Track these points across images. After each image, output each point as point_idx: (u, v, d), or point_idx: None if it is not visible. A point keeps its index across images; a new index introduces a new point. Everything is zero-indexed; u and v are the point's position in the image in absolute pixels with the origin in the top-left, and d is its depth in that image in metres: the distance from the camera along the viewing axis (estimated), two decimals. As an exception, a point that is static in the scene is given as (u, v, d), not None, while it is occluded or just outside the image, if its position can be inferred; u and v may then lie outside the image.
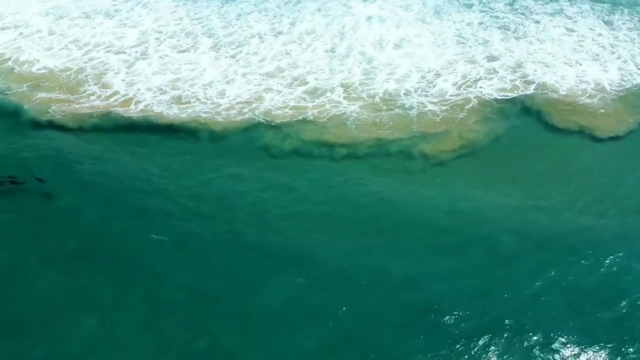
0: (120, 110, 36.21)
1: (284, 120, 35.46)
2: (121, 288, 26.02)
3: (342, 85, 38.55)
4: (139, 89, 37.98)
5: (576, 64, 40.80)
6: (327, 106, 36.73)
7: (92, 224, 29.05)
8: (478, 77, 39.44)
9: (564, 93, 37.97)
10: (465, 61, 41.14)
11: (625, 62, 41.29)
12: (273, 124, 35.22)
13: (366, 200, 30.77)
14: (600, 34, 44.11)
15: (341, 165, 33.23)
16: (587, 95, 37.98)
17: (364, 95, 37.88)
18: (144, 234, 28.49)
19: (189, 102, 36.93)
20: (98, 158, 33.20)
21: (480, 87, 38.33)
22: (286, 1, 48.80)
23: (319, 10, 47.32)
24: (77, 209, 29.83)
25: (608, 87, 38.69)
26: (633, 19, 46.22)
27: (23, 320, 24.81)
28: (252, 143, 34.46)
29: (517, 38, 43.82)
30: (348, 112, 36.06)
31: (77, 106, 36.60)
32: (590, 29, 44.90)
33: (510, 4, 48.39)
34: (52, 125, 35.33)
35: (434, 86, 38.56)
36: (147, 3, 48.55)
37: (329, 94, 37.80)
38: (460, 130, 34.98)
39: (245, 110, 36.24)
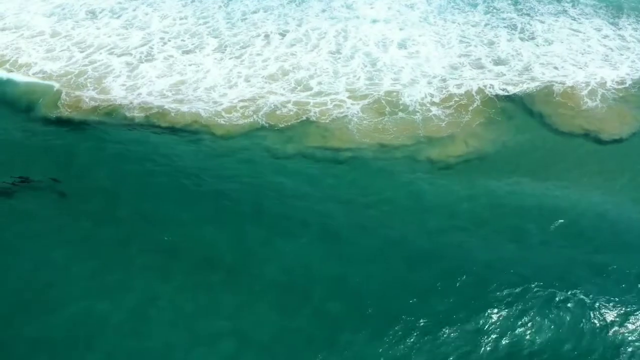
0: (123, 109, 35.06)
1: (288, 124, 33.94)
2: (157, 270, 25.86)
3: (347, 90, 36.43)
4: (140, 94, 36.00)
5: (585, 66, 38.64)
6: (330, 106, 34.96)
7: (125, 206, 29.09)
8: (485, 79, 37.32)
9: (572, 95, 36.03)
10: (472, 65, 39.01)
11: (634, 62, 39.17)
12: (276, 128, 33.76)
13: (380, 187, 30.41)
14: (606, 35, 41.85)
15: (347, 163, 32.14)
16: (596, 97, 36.06)
17: (369, 99, 35.73)
18: (177, 213, 28.51)
19: (191, 103, 35.14)
20: (111, 148, 32.67)
21: (486, 88, 36.38)
22: (289, 0, 46.46)
23: (324, 11, 45.00)
24: (110, 193, 29.79)
25: (617, 89, 36.74)
26: (639, 20, 43.79)
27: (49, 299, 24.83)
28: (256, 144, 33.12)
29: (522, 39, 41.58)
30: (350, 115, 34.31)
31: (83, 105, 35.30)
32: (597, 29, 42.60)
33: (515, 4, 45.94)
34: (61, 121, 34.50)
35: (440, 89, 36.44)
36: (153, 2, 46.15)
37: (333, 95, 35.86)
38: (465, 135, 33.38)
39: (249, 112, 34.50)
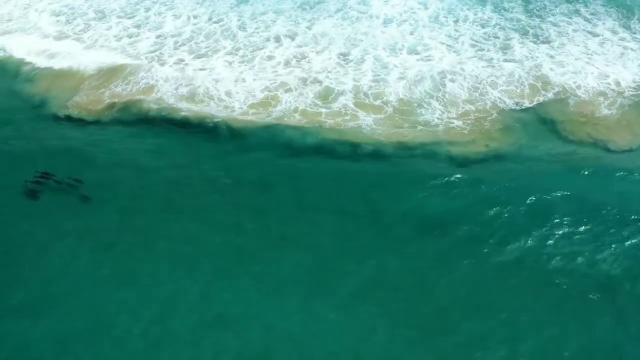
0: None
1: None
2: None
3: (358, 98, 32.64)
4: (150, 95, 32.34)
5: (600, 70, 34.91)
6: (345, 116, 31.40)
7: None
8: (498, 83, 33.75)
9: (586, 102, 32.64)
10: (483, 66, 35.18)
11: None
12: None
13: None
14: (623, 38, 37.84)
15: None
16: (611, 103, 32.76)
17: (383, 113, 31.98)
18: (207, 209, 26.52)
19: (201, 110, 31.63)
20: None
21: (499, 101, 32.73)
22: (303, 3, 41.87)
23: (337, 11, 40.55)
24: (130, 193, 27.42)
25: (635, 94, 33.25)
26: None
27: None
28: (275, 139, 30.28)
29: (536, 42, 37.48)
30: (363, 125, 30.93)
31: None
32: (612, 31, 38.52)
33: (525, 4, 41.50)
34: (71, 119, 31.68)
35: (452, 102, 32.67)
36: (166, 2, 41.69)
37: (344, 101, 32.25)
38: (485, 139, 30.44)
39: (262, 116, 31.24)
